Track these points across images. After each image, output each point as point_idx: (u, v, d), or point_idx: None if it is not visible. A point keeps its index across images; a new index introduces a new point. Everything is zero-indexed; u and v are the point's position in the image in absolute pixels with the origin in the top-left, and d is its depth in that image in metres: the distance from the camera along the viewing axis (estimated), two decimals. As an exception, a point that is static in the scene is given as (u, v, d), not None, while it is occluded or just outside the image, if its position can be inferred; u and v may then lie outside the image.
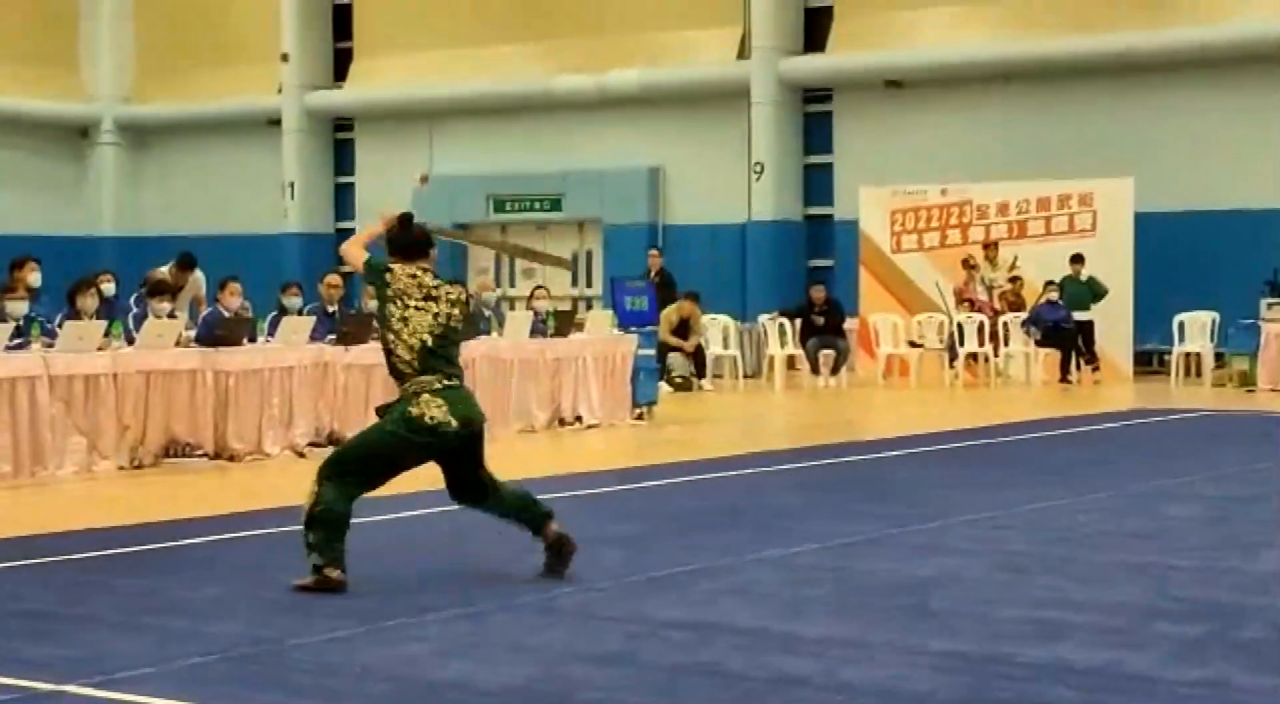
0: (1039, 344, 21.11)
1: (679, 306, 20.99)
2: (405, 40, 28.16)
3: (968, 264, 22.00)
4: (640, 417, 16.05)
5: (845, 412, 18.36)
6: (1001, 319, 21.42)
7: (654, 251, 23.10)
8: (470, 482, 7.36)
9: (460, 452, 7.24)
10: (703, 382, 20.66)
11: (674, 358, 20.54)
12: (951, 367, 21.47)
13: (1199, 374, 21.02)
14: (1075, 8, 23.25)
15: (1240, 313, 20.38)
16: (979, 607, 6.69)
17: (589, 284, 27.01)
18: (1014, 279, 21.93)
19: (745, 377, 21.93)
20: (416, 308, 7.21)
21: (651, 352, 17.11)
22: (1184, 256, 22.14)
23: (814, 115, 25.74)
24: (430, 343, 7.16)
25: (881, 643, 6.04)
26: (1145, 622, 6.35)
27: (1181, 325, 21.09)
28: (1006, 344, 21.38)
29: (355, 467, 7.18)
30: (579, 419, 15.39)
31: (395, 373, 7.26)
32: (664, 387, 18.88)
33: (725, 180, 25.67)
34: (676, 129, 26.24)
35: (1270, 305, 20.14)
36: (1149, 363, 22.11)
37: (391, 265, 7.38)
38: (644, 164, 26.37)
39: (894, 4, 24.68)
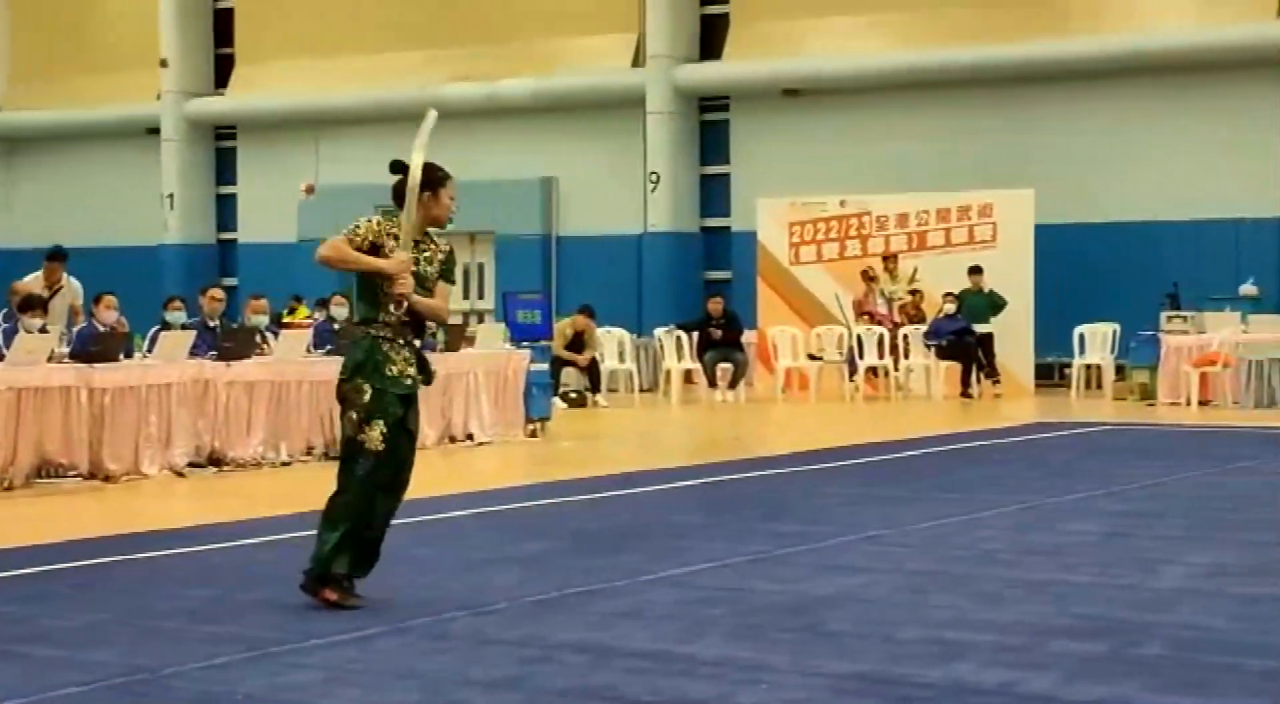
0: (939, 357, 21.33)
1: (573, 320, 21.00)
2: (289, 46, 27.97)
3: (867, 276, 22.20)
4: (533, 433, 16.03)
5: (744, 427, 18.43)
6: (901, 332, 21.63)
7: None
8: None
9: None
10: (598, 397, 20.67)
11: (568, 372, 20.54)
12: (851, 380, 21.63)
13: (1100, 387, 21.33)
14: (975, 19, 23.54)
15: (1140, 325, 20.72)
16: (878, 627, 6.74)
17: (480, 297, 26.94)
18: (914, 291, 22.16)
19: (641, 391, 21.98)
20: None
21: (544, 366, 17.09)
22: (1084, 268, 22.49)
23: (710, 124, 25.89)
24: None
25: (780, 665, 6.06)
26: (1045, 640, 6.43)
27: (1082, 337, 21.40)
28: (907, 357, 21.58)
29: None
30: (470, 436, 15.34)
31: None
32: (558, 402, 18.87)
33: (620, 191, 25.73)
34: (570, 138, 26.26)
35: (1170, 317, 20.49)
36: (1050, 375, 22.42)
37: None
38: (537, 174, 26.37)
39: (791, 12, 24.87)
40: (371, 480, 7.04)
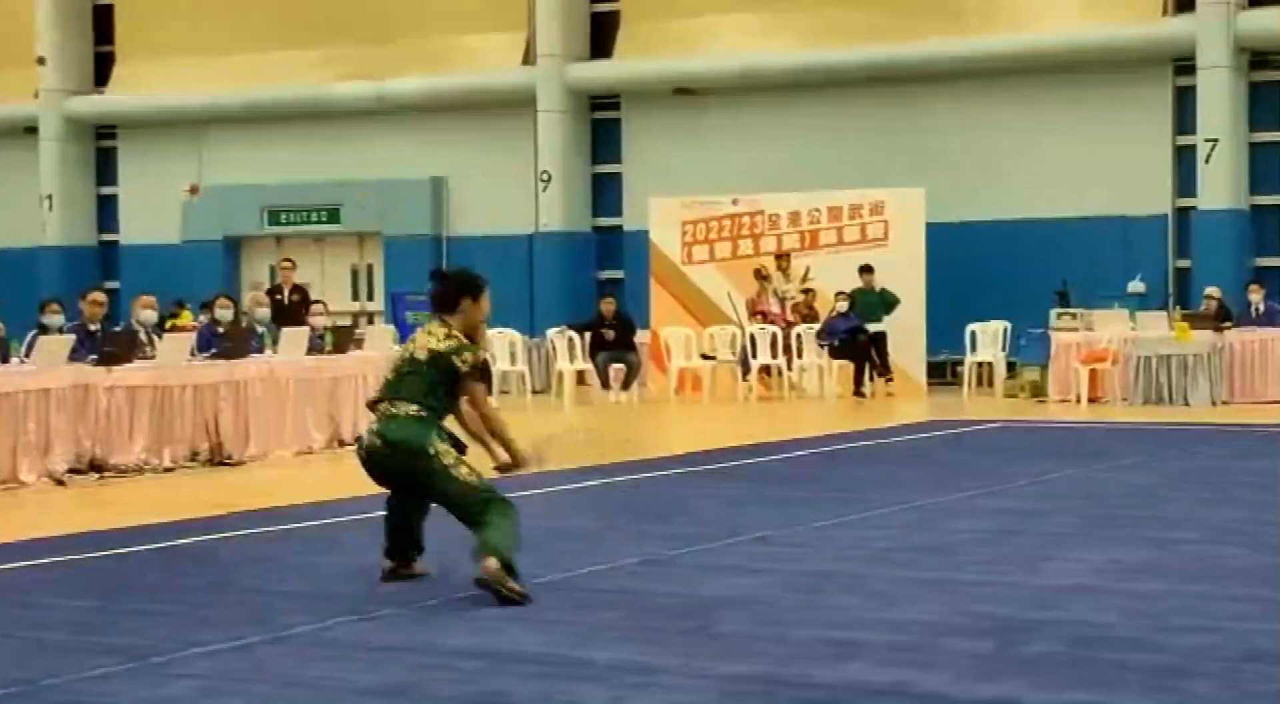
0: (832, 356, 21.46)
1: (464, 321, 20.88)
2: (172, 43, 27.62)
3: (760, 275, 22.28)
4: (424, 436, 15.90)
5: (636, 427, 18.43)
6: (794, 331, 21.72)
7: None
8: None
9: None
10: (489, 399, 20.52)
11: (459, 375, 20.40)
12: (745, 380, 21.69)
13: (991, 384, 21.54)
14: (867, 17, 23.71)
15: (1031, 322, 20.95)
16: (770, 627, 6.75)
17: (370, 298, 26.77)
18: (807, 290, 22.27)
19: (533, 393, 21.90)
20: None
21: (435, 368, 16.96)
22: (975, 266, 22.71)
23: (602, 123, 25.89)
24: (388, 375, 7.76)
25: (673, 667, 6.05)
26: (935, 639, 6.46)
27: (973, 335, 21.60)
28: (800, 356, 21.67)
29: None
30: (359, 439, 15.17)
31: None
32: (449, 405, 18.71)
33: (511, 190, 25.67)
34: (460, 137, 26.17)
35: (1060, 315, 20.74)
36: (942, 373, 22.62)
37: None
38: (426, 174, 26.25)
39: (682, 10, 24.92)
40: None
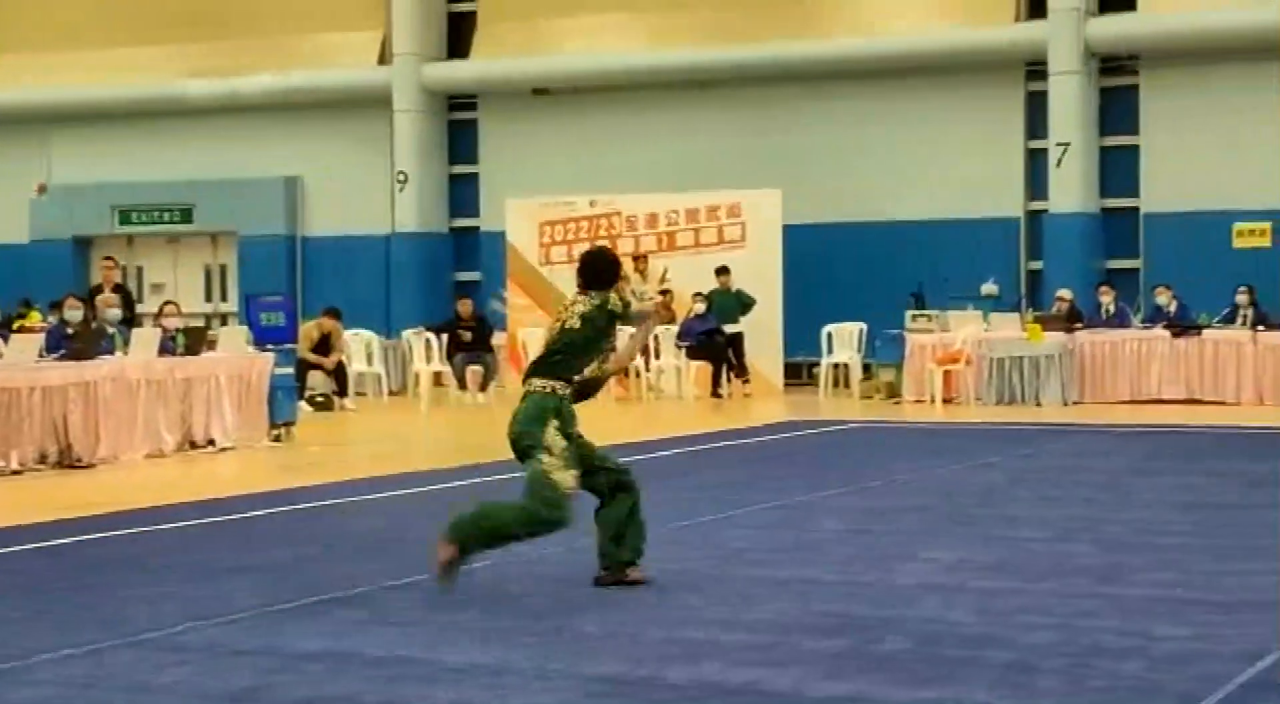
0: (689, 357, 21.56)
1: (318, 322, 20.75)
2: (17, 38, 27.09)
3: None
4: (278, 438, 15.78)
5: (494, 430, 18.34)
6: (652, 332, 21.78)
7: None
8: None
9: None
10: (345, 400, 20.44)
11: (314, 376, 20.29)
12: (603, 382, 21.67)
13: (847, 385, 21.77)
14: (723, 18, 23.85)
15: (886, 324, 21.19)
16: (626, 628, 6.77)
17: (223, 299, 26.45)
18: (664, 291, 22.35)
19: (390, 394, 21.79)
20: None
21: (289, 370, 16.84)
22: (832, 268, 22.94)
23: (459, 123, 25.81)
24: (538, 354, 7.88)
25: (524, 668, 6.06)
26: (788, 638, 6.53)
27: (830, 337, 21.82)
28: (658, 357, 21.75)
29: None
30: (211, 442, 15.03)
31: None
32: (304, 406, 18.64)
33: (367, 190, 25.50)
34: (315, 137, 25.94)
35: (914, 316, 21.00)
36: (798, 375, 22.81)
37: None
38: (281, 173, 25.98)
39: (539, 11, 24.91)
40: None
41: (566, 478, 7.57)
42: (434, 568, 7.44)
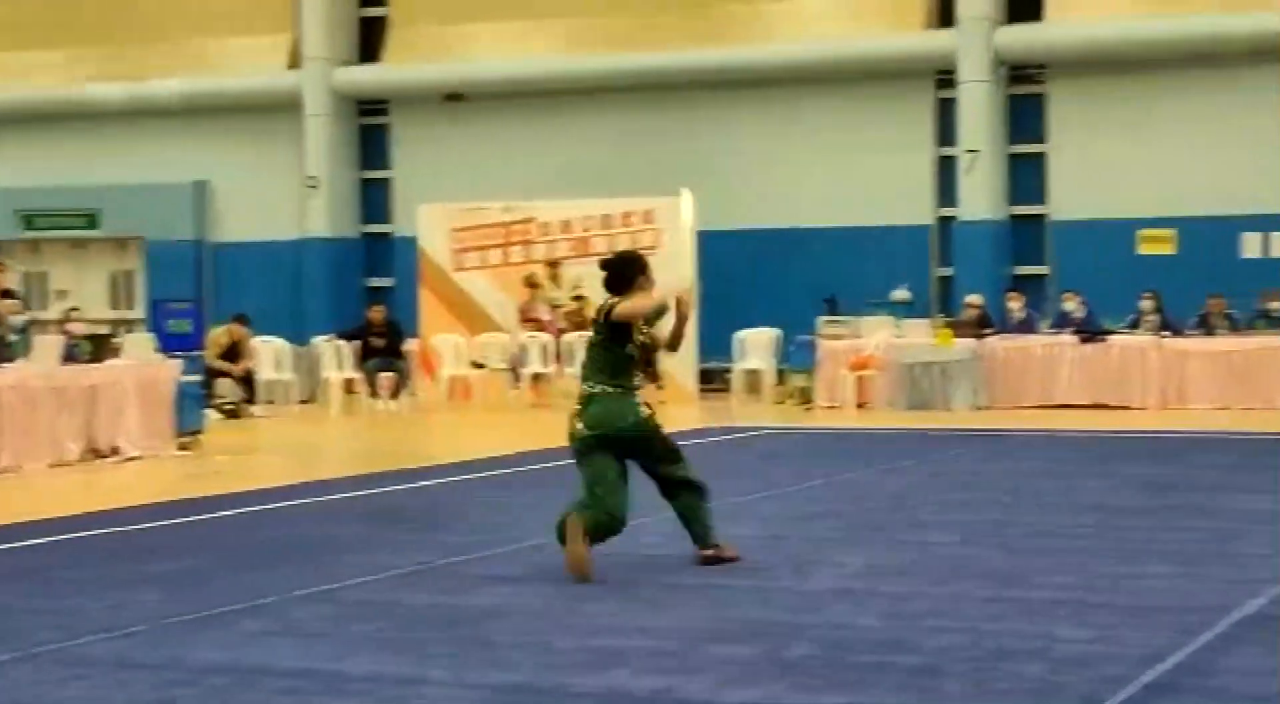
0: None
1: (227, 329, 20.59)
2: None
3: (531, 283, 22.29)
4: (185, 446, 15.63)
5: (405, 437, 18.32)
6: (566, 338, 21.76)
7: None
8: (658, 478, 8.44)
9: (633, 451, 8.30)
10: (254, 408, 20.29)
11: (222, 383, 20.13)
12: (516, 388, 21.69)
13: (760, 391, 21.84)
14: (637, 25, 23.89)
15: (800, 330, 21.29)
16: (537, 636, 6.76)
17: (130, 306, 26.17)
18: (578, 298, 22.32)
19: (300, 402, 21.66)
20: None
21: (197, 377, 16.71)
22: (745, 274, 23.03)
23: (371, 128, 25.69)
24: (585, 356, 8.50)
25: (435, 679, 6.03)
26: (699, 645, 6.53)
27: (743, 342, 21.88)
28: (572, 364, 21.72)
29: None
30: (116, 450, 14.86)
31: None
32: (212, 414, 18.48)
33: (278, 195, 25.34)
34: (225, 141, 25.76)
35: (827, 322, 21.11)
36: (712, 380, 22.87)
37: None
38: (189, 178, 25.78)
39: (452, 16, 24.84)
40: None
41: None
42: (579, 572, 7.96)
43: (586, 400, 8.28)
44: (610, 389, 8.28)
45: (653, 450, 8.35)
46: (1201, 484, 12.22)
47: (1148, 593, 7.59)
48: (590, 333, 8.60)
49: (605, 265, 8.63)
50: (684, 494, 8.44)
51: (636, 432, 8.26)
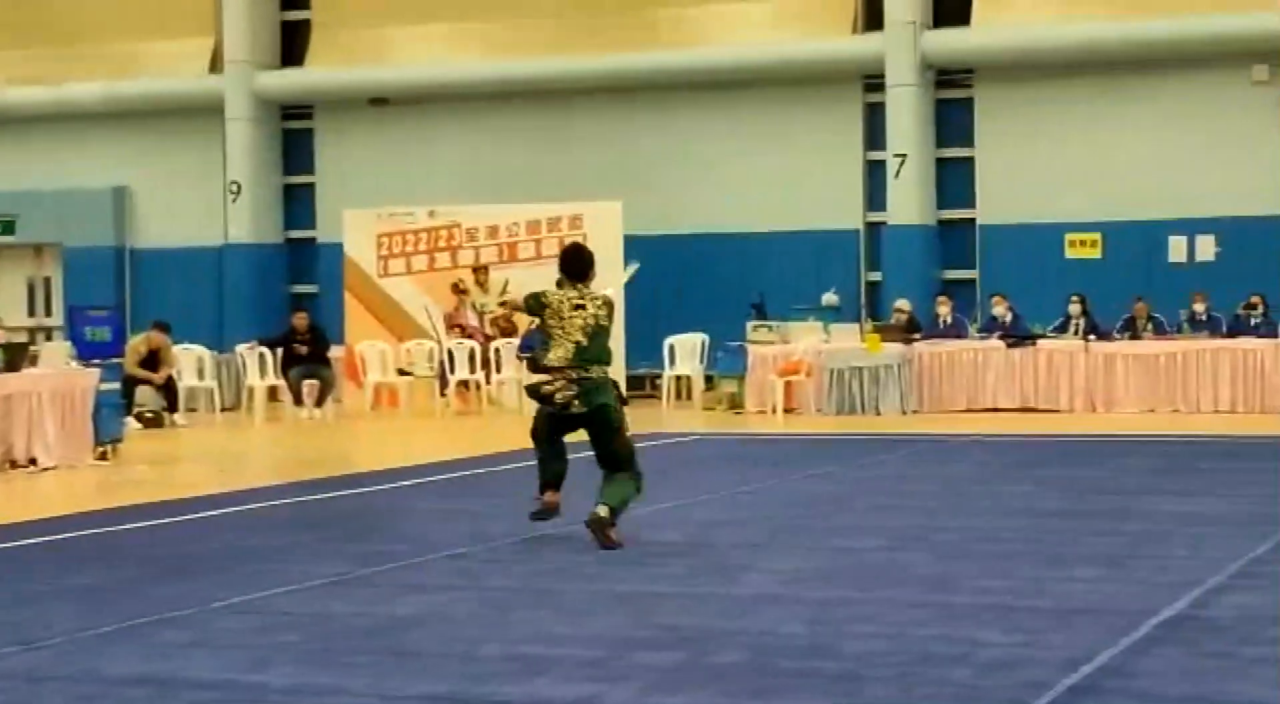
0: (531, 370, 21.48)
1: (146, 336, 20.44)
2: None
3: (458, 289, 22.26)
4: (104, 456, 15.49)
5: (330, 445, 18.24)
6: (493, 345, 21.75)
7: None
8: (602, 455, 9.66)
9: (589, 428, 9.61)
10: (175, 417, 20.15)
11: (143, 391, 19.97)
12: (443, 395, 21.65)
13: (689, 397, 21.88)
14: (564, 29, 23.89)
15: (728, 336, 21.35)
16: (460, 645, 6.74)
17: (47, 313, 25.92)
18: (505, 303, 22.27)
19: (223, 410, 21.53)
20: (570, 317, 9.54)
21: (116, 385, 16.57)
22: (674, 280, 23.06)
23: (294, 133, 25.57)
24: (583, 342, 9.51)
25: (358, 690, 6.00)
26: (624, 652, 6.54)
27: (672, 348, 21.92)
28: (499, 371, 21.71)
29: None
30: (33, 461, 14.71)
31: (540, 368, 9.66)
32: (132, 423, 18.37)
33: (199, 201, 25.19)
34: (145, 146, 25.58)
35: (755, 327, 21.18)
36: (641, 386, 22.89)
37: (546, 291, 9.68)
38: (108, 183, 25.56)
39: (376, 20, 24.77)
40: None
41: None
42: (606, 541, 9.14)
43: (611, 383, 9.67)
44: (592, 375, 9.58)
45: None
46: (1127, 487, 12.35)
47: (1072, 596, 7.66)
48: (592, 322, 9.51)
49: (573, 253, 9.82)
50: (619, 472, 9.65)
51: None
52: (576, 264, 9.70)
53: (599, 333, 9.51)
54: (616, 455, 9.59)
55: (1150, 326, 20.38)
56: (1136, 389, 19.84)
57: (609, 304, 9.66)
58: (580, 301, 9.52)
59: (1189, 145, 21.90)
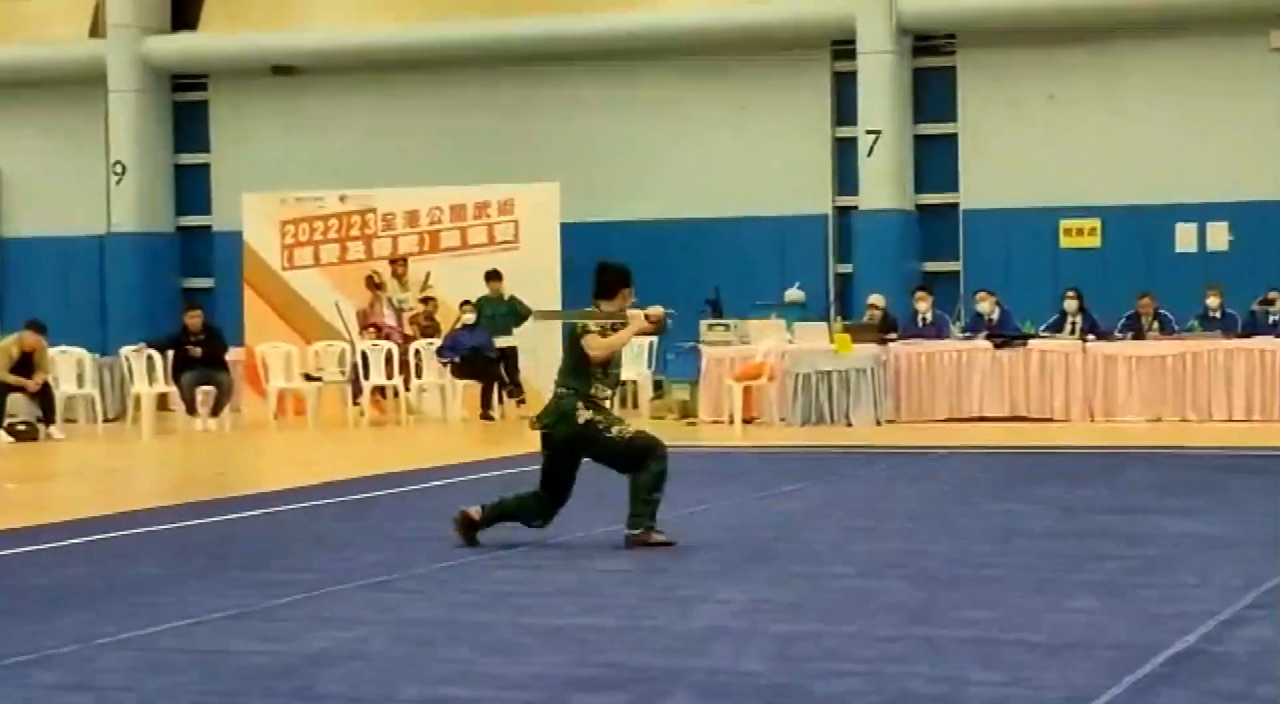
0: (456, 375, 21.53)
1: (19, 338, 20.38)
2: None
3: (373, 283, 22.26)
4: (-30, 474, 15.46)
5: (227, 460, 18.20)
6: (413, 346, 21.76)
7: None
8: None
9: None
10: (51, 428, 20.09)
11: (14, 400, 19.95)
12: (356, 403, 21.64)
13: (636, 405, 21.91)
14: (488, -10, 23.90)
15: (679, 336, 21.35)
16: (376, 686, 6.75)
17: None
18: (426, 300, 22.32)
19: (106, 421, 21.48)
20: None
21: (-15, 394, 16.53)
22: (617, 273, 23.03)
23: (186, 106, 25.52)
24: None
25: (257, 737, 6.01)
26: (562, 694, 6.55)
27: (616, 351, 21.90)
28: (419, 375, 21.71)
29: None
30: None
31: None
32: (2, 435, 18.29)
33: (77, 184, 25.14)
34: (16, 121, 25.52)
35: (710, 326, 21.20)
36: (581, 394, 22.86)
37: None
38: (-25, 164, 25.46)
39: (280, -22, 24.74)
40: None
41: (629, 427, 10.71)
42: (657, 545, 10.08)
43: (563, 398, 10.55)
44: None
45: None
46: (1129, 506, 12.43)
47: (1067, 629, 7.71)
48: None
49: (597, 271, 10.66)
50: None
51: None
52: (596, 282, 10.66)
53: (568, 351, 10.51)
54: (614, 467, 10.64)
55: (1156, 325, 20.51)
56: (1140, 395, 19.97)
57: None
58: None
59: (1199, 120, 22.04)
